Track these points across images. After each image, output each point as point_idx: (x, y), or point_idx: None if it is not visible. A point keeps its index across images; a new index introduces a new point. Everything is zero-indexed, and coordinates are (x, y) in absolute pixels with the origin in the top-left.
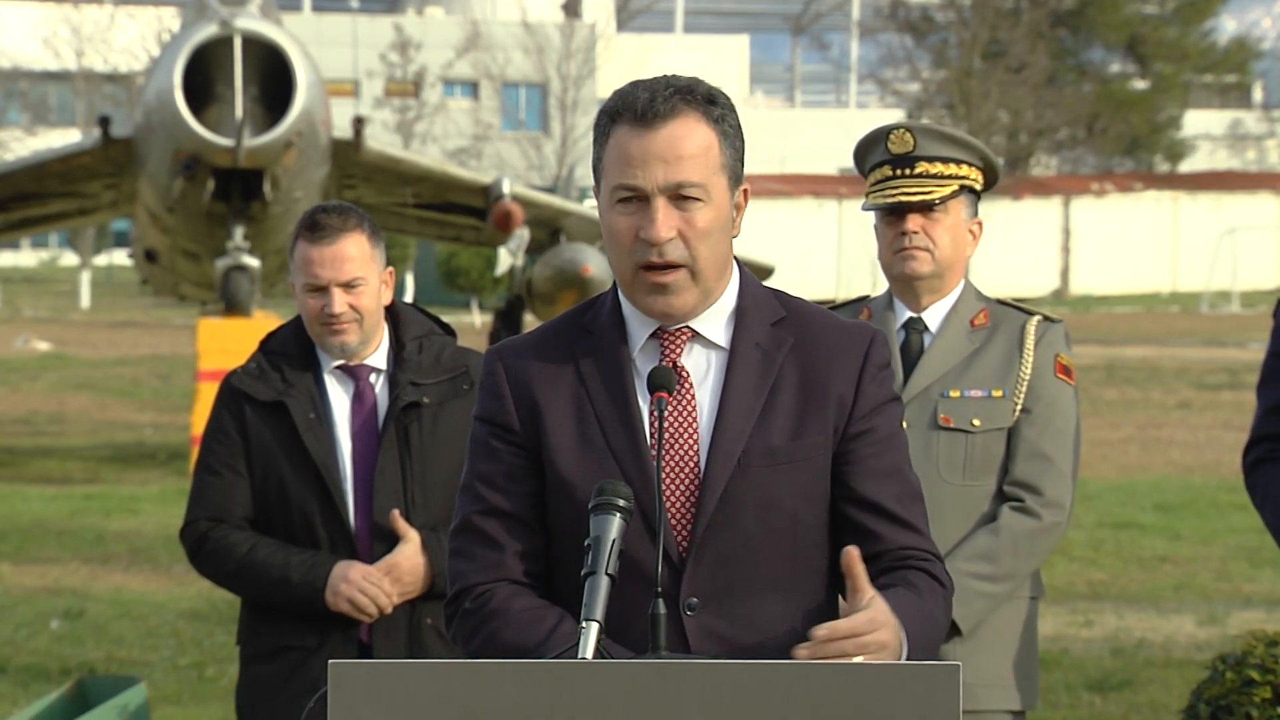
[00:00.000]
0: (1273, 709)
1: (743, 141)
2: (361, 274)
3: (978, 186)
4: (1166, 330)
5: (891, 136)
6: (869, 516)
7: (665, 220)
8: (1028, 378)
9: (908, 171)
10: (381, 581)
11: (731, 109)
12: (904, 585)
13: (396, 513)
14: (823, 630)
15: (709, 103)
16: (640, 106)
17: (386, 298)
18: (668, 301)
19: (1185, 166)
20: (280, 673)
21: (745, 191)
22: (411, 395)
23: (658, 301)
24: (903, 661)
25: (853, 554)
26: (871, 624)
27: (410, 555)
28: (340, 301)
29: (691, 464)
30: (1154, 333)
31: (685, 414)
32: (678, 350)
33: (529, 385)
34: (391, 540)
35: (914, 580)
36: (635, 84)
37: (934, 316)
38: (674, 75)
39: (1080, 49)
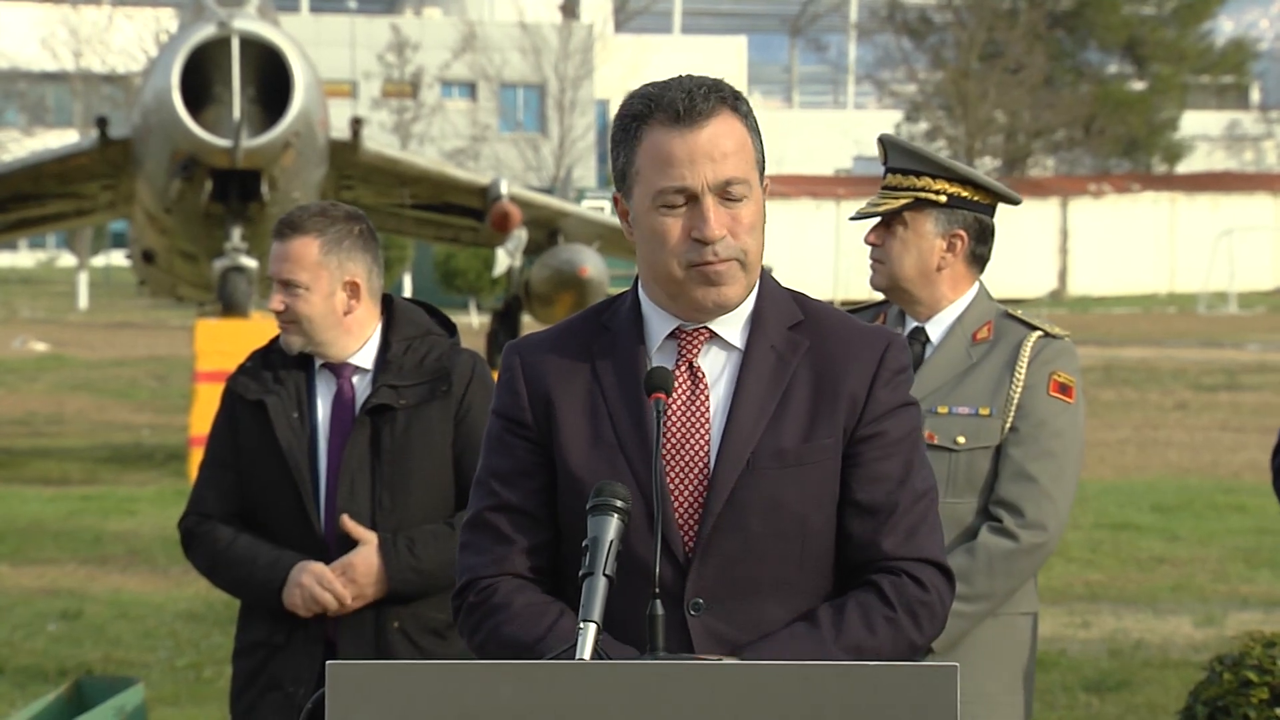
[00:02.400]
0: (1270, 710)
1: (762, 138)
2: (301, 278)
3: (941, 200)
4: (1164, 331)
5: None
6: (859, 521)
7: (718, 219)
8: (1017, 396)
9: (883, 184)
10: (333, 584)
11: (750, 106)
12: (823, 613)
13: (346, 517)
14: None
15: (737, 100)
16: (681, 107)
17: (354, 308)
18: (721, 292)
19: (1183, 167)
20: (252, 668)
21: (765, 186)
22: (383, 397)
23: (711, 293)
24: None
25: None
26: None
27: (366, 557)
28: (277, 299)
29: (701, 464)
30: (1151, 333)
31: (698, 414)
32: (695, 350)
33: (544, 381)
34: (355, 542)
35: (844, 604)
36: (660, 86)
37: (937, 327)
38: (689, 75)
39: (1078, 50)
